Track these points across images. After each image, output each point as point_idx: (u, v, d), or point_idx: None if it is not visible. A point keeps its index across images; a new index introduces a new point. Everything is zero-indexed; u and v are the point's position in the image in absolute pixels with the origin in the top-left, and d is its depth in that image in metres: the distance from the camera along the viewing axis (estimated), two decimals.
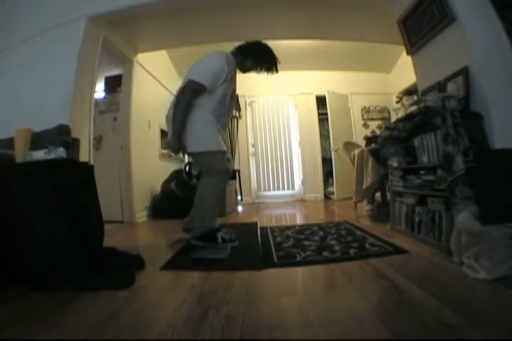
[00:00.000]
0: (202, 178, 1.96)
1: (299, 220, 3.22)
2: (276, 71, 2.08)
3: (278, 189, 5.18)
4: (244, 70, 2.08)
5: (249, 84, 5.05)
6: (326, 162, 5.09)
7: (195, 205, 1.94)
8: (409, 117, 1.86)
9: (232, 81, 1.97)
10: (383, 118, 4.98)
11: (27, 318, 0.95)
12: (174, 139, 1.82)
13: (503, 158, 1.38)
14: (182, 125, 1.81)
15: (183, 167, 4.19)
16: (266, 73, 2.07)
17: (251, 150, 5.10)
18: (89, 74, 2.44)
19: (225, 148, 1.93)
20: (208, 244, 1.79)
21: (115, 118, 3.38)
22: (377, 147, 2.50)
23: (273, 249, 1.77)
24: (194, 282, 1.32)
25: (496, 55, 1.63)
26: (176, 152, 1.94)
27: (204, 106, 1.86)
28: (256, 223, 2.78)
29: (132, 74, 3.27)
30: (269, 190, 5.17)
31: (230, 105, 2.04)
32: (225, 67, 1.87)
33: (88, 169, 1.55)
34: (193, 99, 1.82)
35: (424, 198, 1.77)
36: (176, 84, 4.78)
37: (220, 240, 1.80)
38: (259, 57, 2.02)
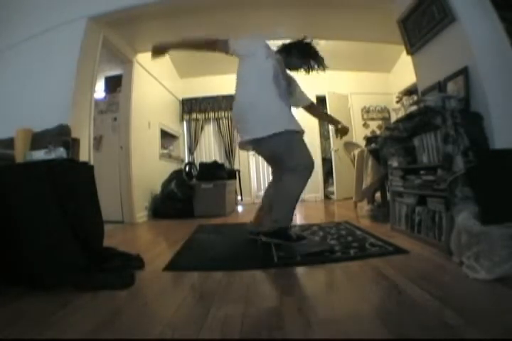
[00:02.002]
0: (286, 175, 1.76)
1: (299, 220, 3.22)
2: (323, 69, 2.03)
3: None
4: (290, 68, 2.01)
5: None
6: (326, 162, 5.08)
7: (274, 202, 1.77)
8: (409, 117, 1.86)
9: (279, 65, 1.86)
10: (383, 118, 4.98)
11: (27, 318, 0.95)
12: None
13: (503, 158, 1.38)
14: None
15: (183, 167, 4.20)
16: (309, 71, 2.00)
17: None
18: (89, 74, 2.44)
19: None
20: (285, 241, 1.68)
21: (115, 118, 3.38)
22: (377, 147, 2.50)
23: (273, 248, 1.77)
24: (194, 282, 1.32)
25: (496, 55, 1.63)
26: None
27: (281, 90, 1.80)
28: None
29: (132, 74, 3.27)
30: None
31: (285, 90, 1.89)
32: (262, 42, 1.84)
33: (88, 169, 1.55)
34: (206, 47, 1.86)
35: (424, 198, 1.77)
36: (175, 84, 4.81)
37: (294, 237, 1.70)
38: (305, 56, 1.96)
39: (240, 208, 4.36)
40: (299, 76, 2.10)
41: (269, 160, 2.09)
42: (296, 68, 2.01)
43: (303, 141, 1.80)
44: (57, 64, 2.30)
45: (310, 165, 1.77)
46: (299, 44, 2.00)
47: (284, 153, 1.72)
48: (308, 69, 2.00)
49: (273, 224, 1.71)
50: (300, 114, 5.41)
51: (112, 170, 3.22)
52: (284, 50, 1.99)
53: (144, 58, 3.47)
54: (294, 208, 1.77)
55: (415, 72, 2.25)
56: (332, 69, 5.52)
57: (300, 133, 1.79)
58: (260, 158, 5.12)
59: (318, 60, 1.99)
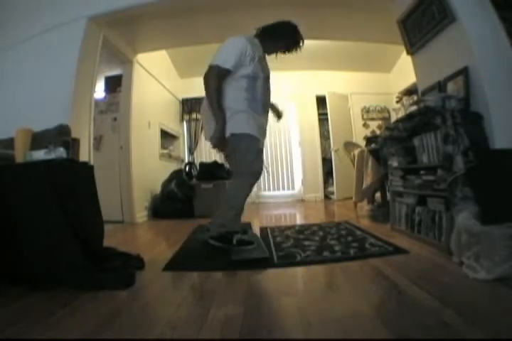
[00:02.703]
0: (232, 178, 1.88)
1: (299, 220, 3.22)
2: (299, 48, 1.94)
3: (278, 189, 5.18)
4: (268, 53, 1.96)
5: None
6: (326, 162, 5.08)
7: (220, 207, 1.82)
8: (409, 117, 1.86)
9: (261, 62, 1.84)
10: (383, 118, 4.98)
11: (27, 318, 0.95)
12: (219, 128, 1.70)
13: (503, 158, 1.38)
14: (222, 111, 1.71)
15: (183, 167, 4.20)
16: (287, 52, 1.95)
17: None
18: (89, 74, 2.44)
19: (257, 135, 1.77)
20: (223, 245, 1.71)
21: (115, 118, 3.38)
22: (377, 147, 2.50)
23: (273, 248, 1.77)
24: (194, 282, 1.32)
25: (495, 55, 1.63)
26: (221, 145, 1.77)
27: (236, 93, 1.75)
28: (249, 223, 2.72)
29: (132, 74, 3.27)
30: (269, 190, 5.17)
31: (265, 89, 1.87)
32: (247, 46, 1.76)
33: (88, 169, 1.55)
34: (220, 85, 1.73)
35: (424, 198, 1.77)
36: (175, 84, 4.80)
37: (234, 242, 1.71)
38: (276, 38, 1.90)
39: None
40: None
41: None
42: (272, 52, 1.96)
43: (251, 146, 1.75)
44: (57, 64, 2.30)
45: (254, 172, 1.76)
46: (270, 27, 1.92)
47: (231, 155, 1.81)
48: (284, 51, 1.95)
49: (220, 229, 1.72)
50: (300, 115, 5.39)
51: (112, 170, 3.22)
52: (259, 34, 1.92)
53: (144, 58, 3.48)
54: (238, 213, 1.78)
55: (415, 72, 2.25)
56: (332, 69, 5.54)
57: (252, 137, 1.74)
58: None
59: (289, 40, 1.91)
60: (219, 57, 1.74)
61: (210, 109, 1.74)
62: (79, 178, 1.42)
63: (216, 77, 1.71)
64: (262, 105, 1.85)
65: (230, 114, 1.73)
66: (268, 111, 1.97)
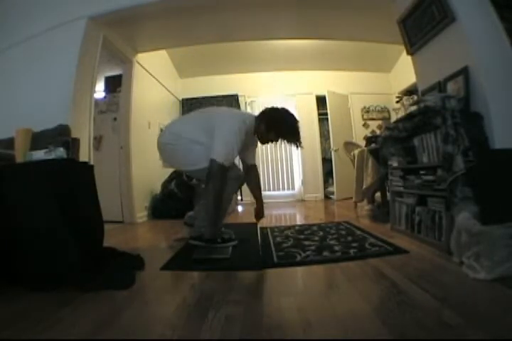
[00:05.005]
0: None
1: (298, 220, 3.22)
2: (300, 145, 1.98)
3: (278, 189, 5.18)
4: (263, 141, 2.01)
5: (249, 84, 5.06)
6: (326, 162, 5.08)
7: (202, 205, 1.89)
8: (409, 117, 1.86)
9: (249, 142, 1.95)
10: (383, 118, 4.98)
11: (27, 318, 0.95)
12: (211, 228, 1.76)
13: (503, 158, 1.38)
14: (217, 214, 1.76)
15: None
16: (287, 143, 1.98)
17: None
18: (89, 74, 2.44)
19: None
20: (207, 243, 1.78)
21: (115, 118, 3.38)
22: (377, 147, 2.50)
23: (273, 248, 1.77)
24: (194, 282, 1.32)
25: (495, 55, 1.63)
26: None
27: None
28: (256, 223, 2.77)
29: (132, 74, 3.27)
30: (269, 190, 5.16)
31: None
32: (243, 137, 1.80)
33: (88, 169, 1.55)
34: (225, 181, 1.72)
35: (424, 198, 1.77)
36: (175, 84, 4.81)
37: (219, 240, 1.79)
38: (281, 130, 1.93)
39: (240, 208, 4.35)
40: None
41: None
42: (269, 141, 2.00)
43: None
44: (57, 64, 2.30)
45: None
46: (269, 113, 1.95)
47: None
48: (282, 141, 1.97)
49: (201, 229, 1.82)
50: (300, 114, 5.40)
51: (112, 170, 3.21)
52: (259, 116, 1.95)
53: (144, 58, 3.48)
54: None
55: (415, 72, 2.26)
56: (332, 69, 5.56)
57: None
58: (260, 159, 5.13)
59: (285, 136, 1.94)
60: (222, 153, 1.68)
61: (211, 204, 1.70)
62: (79, 178, 1.42)
63: (221, 175, 1.69)
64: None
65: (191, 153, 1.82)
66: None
